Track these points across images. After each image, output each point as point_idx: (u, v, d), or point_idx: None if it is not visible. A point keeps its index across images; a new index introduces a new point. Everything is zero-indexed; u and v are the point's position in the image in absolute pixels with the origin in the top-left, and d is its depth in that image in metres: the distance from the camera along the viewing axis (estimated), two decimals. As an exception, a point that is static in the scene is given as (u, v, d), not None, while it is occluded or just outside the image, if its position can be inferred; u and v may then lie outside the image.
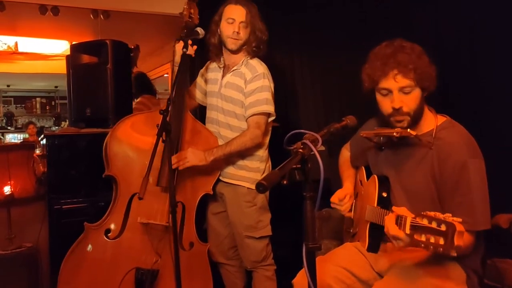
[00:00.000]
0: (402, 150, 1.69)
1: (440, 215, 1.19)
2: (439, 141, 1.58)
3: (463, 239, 1.16)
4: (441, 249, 1.15)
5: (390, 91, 1.59)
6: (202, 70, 2.62)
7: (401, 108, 1.59)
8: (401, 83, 1.56)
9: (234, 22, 2.32)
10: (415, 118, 1.62)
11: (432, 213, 1.21)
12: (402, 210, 1.36)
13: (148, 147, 2.25)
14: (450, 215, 1.19)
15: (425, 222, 1.21)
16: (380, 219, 1.58)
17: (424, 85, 1.58)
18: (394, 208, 1.40)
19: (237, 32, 2.32)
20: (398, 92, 1.58)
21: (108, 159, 2.29)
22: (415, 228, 1.25)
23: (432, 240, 1.17)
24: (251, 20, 2.33)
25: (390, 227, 1.36)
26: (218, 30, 2.38)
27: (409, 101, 1.59)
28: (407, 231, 1.28)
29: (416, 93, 1.59)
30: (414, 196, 1.64)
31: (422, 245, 1.21)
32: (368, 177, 1.86)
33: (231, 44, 2.36)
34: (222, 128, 2.43)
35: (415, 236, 1.23)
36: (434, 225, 1.18)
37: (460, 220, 1.17)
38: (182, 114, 2.30)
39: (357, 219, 1.87)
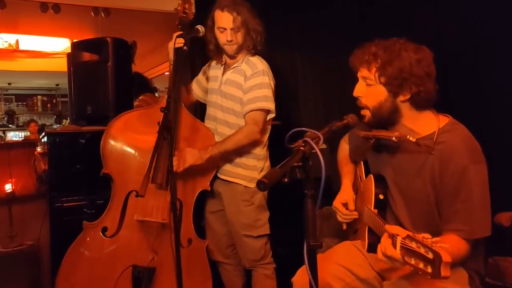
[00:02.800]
0: (401, 155, 1.66)
1: (428, 240, 1.15)
2: (440, 145, 1.53)
3: (450, 267, 1.11)
4: (429, 276, 1.13)
5: (357, 78, 1.64)
6: (204, 67, 2.62)
7: (359, 98, 1.63)
8: (362, 72, 1.60)
9: (225, 30, 2.31)
10: (379, 118, 1.60)
11: (420, 237, 1.18)
12: (395, 229, 1.31)
13: (142, 144, 2.28)
14: (439, 239, 1.15)
15: (413, 245, 1.18)
16: (377, 228, 1.55)
17: (392, 88, 1.54)
18: (387, 226, 1.36)
19: (230, 40, 2.32)
20: (361, 81, 1.62)
21: (104, 157, 2.30)
22: (405, 250, 1.22)
23: (421, 265, 1.15)
24: (243, 22, 2.31)
25: (388, 248, 1.29)
26: (214, 36, 2.38)
27: (369, 94, 1.60)
28: (398, 251, 1.24)
29: (378, 90, 1.57)
30: (412, 202, 1.62)
31: (412, 268, 1.19)
32: (366, 174, 1.85)
33: (228, 50, 2.37)
34: (219, 125, 2.43)
35: (406, 258, 1.21)
36: (422, 250, 1.15)
37: (448, 246, 1.13)
38: (178, 111, 2.30)
39: (358, 215, 1.87)
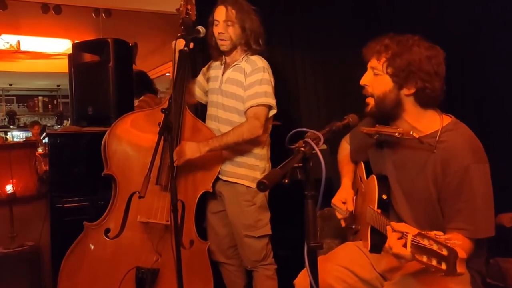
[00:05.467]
0: (403, 152, 1.66)
1: (441, 238, 1.15)
2: (443, 144, 1.53)
3: (465, 264, 1.12)
4: (443, 273, 1.12)
5: (366, 68, 1.66)
6: (204, 68, 2.61)
7: (365, 86, 1.65)
8: (372, 62, 1.62)
9: (218, 23, 2.33)
10: (382, 109, 1.62)
11: (432, 234, 1.17)
12: (401, 226, 1.31)
13: (147, 145, 2.25)
14: (451, 236, 1.15)
15: (425, 243, 1.17)
16: (381, 227, 1.54)
17: (397, 80, 1.56)
18: (393, 224, 1.35)
19: (221, 33, 2.32)
20: (369, 70, 1.64)
21: (107, 158, 2.28)
22: (416, 247, 1.21)
23: (434, 263, 1.14)
24: (238, 18, 2.31)
25: (394, 245, 1.29)
26: (213, 31, 2.38)
27: (375, 83, 1.62)
28: (408, 249, 1.23)
29: (384, 80, 1.59)
30: (414, 200, 1.62)
31: (424, 265, 1.18)
32: (367, 174, 1.84)
33: (220, 45, 2.37)
34: (222, 124, 2.42)
35: (417, 256, 1.20)
36: (435, 247, 1.14)
37: (461, 243, 1.12)
38: (181, 112, 2.30)
39: (358, 216, 1.86)
